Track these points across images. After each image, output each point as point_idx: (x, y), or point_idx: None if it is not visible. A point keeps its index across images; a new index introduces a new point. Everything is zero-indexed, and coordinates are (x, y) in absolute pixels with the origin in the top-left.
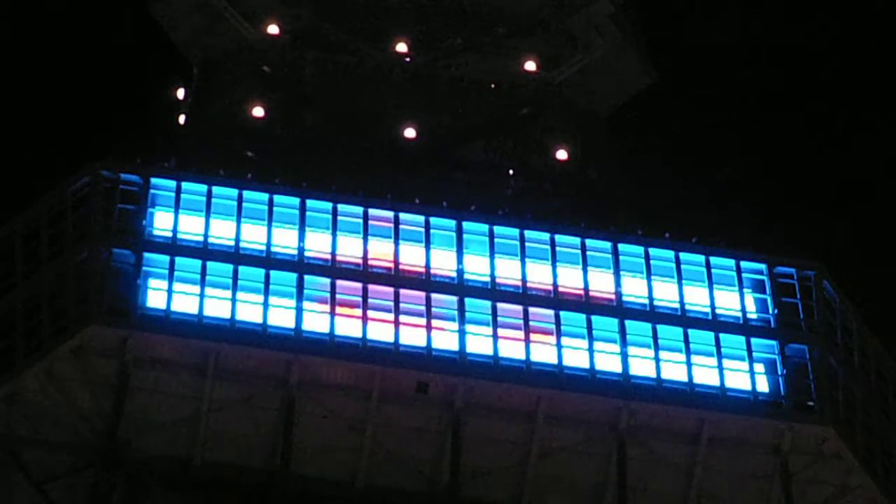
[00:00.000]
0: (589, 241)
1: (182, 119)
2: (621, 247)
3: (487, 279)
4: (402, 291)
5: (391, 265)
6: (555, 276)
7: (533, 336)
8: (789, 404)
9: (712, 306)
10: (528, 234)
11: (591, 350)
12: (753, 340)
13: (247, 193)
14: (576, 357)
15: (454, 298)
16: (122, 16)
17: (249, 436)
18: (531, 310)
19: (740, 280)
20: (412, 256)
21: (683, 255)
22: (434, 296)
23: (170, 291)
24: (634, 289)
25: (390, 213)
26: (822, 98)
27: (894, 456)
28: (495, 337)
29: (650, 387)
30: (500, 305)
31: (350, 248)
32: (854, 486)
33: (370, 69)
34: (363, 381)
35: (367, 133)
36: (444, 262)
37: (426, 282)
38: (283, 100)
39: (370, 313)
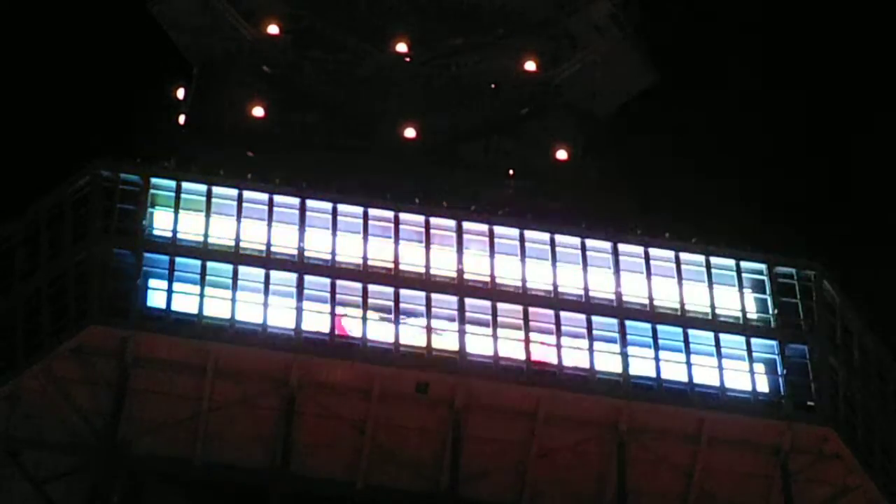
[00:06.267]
0: (589, 241)
1: (182, 119)
2: (621, 247)
3: (487, 279)
4: (402, 291)
5: (391, 265)
6: (555, 276)
7: (533, 336)
8: (789, 404)
9: (712, 306)
10: (528, 234)
11: (591, 350)
12: (753, 340)
13: (247, 193)
14: (576, 357)
15: (454, 298)
16: (122, 16)
17: (249, 436)
18: (531, 310)
19: (740, 280)
20: (412, 256)
21: (683, 255)
22: (434, 296)
23: (170, 291)
24: (634, 289)
25: (390, 213)
26: (822, 98)
27: (894, 456)
28: (495, 337)
29: (650, 387)
30: (500, 305)
31: (350, 248)
32: (854, 486)
33: (370, 69)
34: (363, 381)
35: (367, 133)
36: (444, 262)
37: (426, 282)
38: (283, 100)
39: (370, 313)
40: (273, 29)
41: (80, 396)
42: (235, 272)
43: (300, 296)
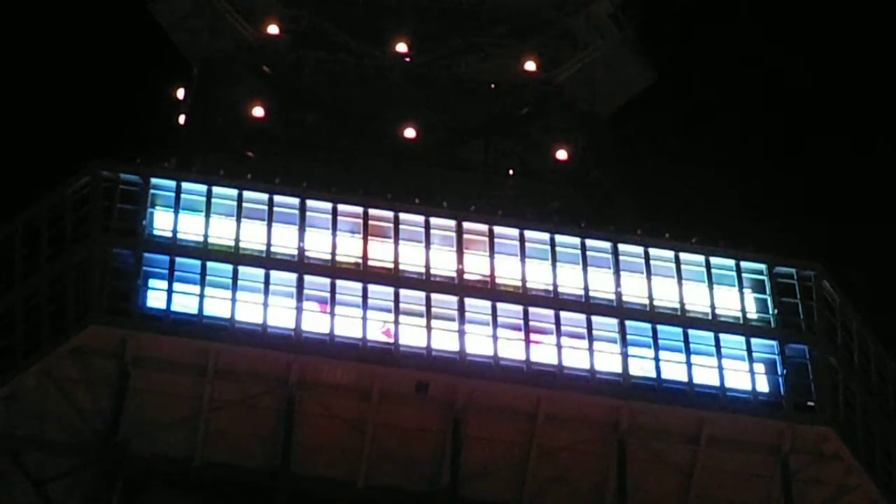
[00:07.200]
0: (589, 241)
1: (182, 119)
2: (621, 247)
3: (487, 279)
4: (402, 291)
5: (391, 265)
6: (555, 276)
7: (533, 336)
8: (789, 404)
9: (712, 306)
10: (528, 234)
11: (591, 350)
12: (753, 340)
13: (247, 193)
14: (576, 357)
15: (454, 298)
16: (122, 16)
17: (249, 436)
18: (531, 310)
19: (740, 280)
20: (412, 256)
21: (683, 255)
22: (434, 296)
23: (170, 291)
24: (634, 289)
25: (390, 213)
26: (822, 98)
27: (894, 456)
28: (495, 337)
29: (650, 387)
30: (500, 305)
31: (350, 248)
32: (854, 486)
33: (370, 69)
34: (363, 381)
35: (367, 133)
36: (444, 262)
37: (427, 282)
38: (283, 100)
39: (370, 313)
40: (273, 29)
41: (80, 396)
42: (235, 272)
43: (300, 296)
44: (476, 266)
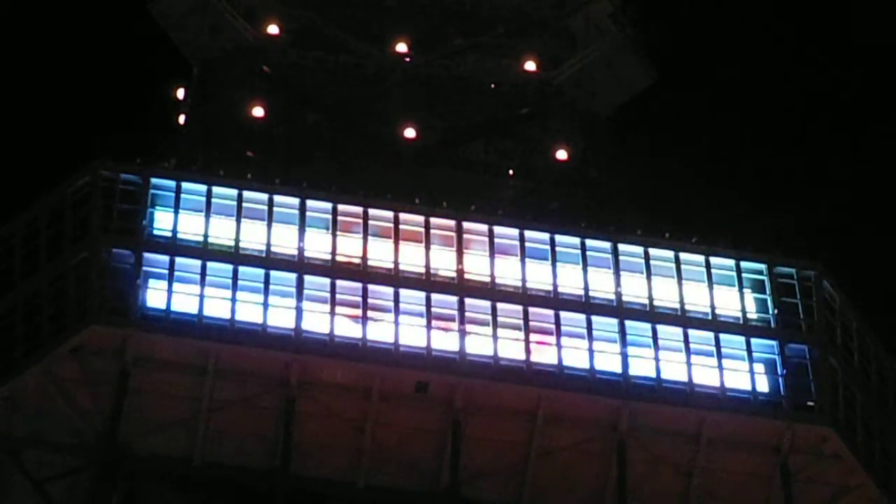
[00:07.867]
0: (589, 241)
1: (182, 119)
2: (621, 247)
3: (487, 279)
4: (402, 291)
5: (391, 265)
6: (555, 276)
7: (533, 336)
8: (789, 404)
9: (712, 306)
10: (528, 234)
11: (591, 350)
12: (753, 340)
13: (247, 193)
14: (576, 357)
15: (454, 298)
16: (122, 16)
17: (249, 436)
18: (531, 310)
19: (740, 280)
20: (412, 256)
21: (683, 255)
22: (434, 296)
23: (170, 291)
24: (634, 289)
25: (390, 213)
26: (821, 98)
27: (894, 456)
28: (495, 337)
29: (650, 387)
30: (500, 305)
31: (350, 248)
32: (854, 486)
33: (370, 69)
34: (363, 381)
35: (367, 133)
36: (444, 263)
37: (426, 282)
38: (283, 100)
39: (370, 313)
40: (273, 29)
41: (80, 396)
42: (235, 272)
43: (300, 296)
44: (476, 266)
